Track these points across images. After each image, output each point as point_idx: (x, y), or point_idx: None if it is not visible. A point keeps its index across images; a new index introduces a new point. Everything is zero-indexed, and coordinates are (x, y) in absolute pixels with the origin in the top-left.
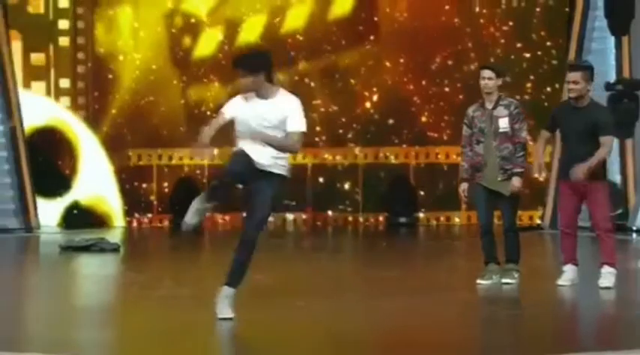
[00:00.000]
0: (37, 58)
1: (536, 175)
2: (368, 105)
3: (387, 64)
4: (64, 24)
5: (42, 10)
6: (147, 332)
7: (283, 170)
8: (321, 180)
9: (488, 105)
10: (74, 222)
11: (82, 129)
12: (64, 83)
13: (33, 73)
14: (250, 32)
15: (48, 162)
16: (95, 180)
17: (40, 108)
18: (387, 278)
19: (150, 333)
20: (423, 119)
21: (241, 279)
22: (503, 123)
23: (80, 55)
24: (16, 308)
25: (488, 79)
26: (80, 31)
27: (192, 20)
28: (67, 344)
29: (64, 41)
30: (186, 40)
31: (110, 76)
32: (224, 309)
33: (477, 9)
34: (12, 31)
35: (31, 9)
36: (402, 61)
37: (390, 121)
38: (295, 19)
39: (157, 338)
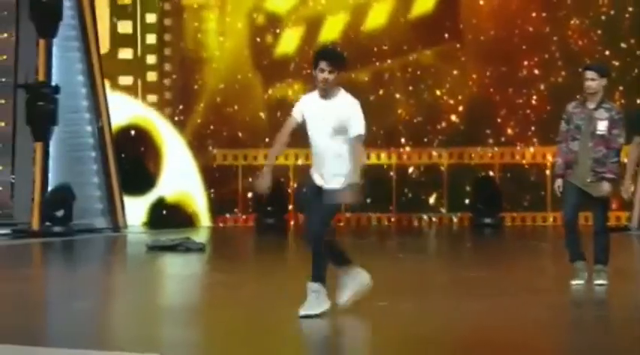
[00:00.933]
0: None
1: (623, 195)
2: (453, 117)
3: (473, 72)
4: (151, 59)
5: (131, 56)
6: (231, 332)
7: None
8: (406, 181)
9: (590, 105)
10: (160, 221)
11: (167, 128)
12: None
13: None
14: (331, 31)
15: (133, 160)
16: (180, 180)
17: (125, 107)
18: (471, 278)
19: (233, 333)
20: (509, 130)
21: (322, 272)
22: (602, 126)
23: (166, 82)
24: (104, 307)
25: (591, 80)
26: (167, 59)
27: (274, 19)
28: (153, 342)
29: (151, 76)
30: (268, 39)
31: (195, 87)
32: (309, 305)
33: (565, 18)
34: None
35: (120, 55)
36: (488, 69)
37: (476, 129)
38: (376, 18)
39: (241, 337)
